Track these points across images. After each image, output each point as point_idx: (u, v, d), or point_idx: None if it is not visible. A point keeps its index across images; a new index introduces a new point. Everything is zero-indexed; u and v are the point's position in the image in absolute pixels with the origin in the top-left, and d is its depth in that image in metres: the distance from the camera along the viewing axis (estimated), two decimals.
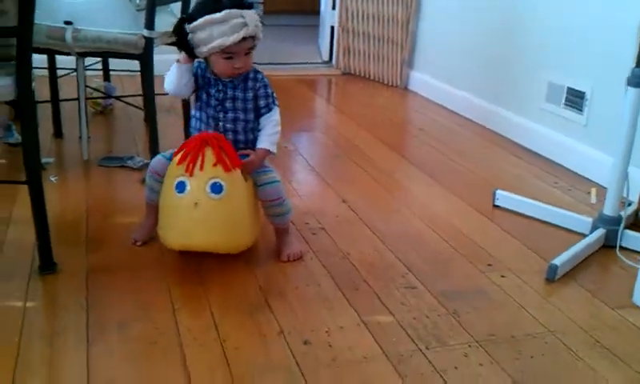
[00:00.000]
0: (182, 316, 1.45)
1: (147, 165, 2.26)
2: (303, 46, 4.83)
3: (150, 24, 2.10)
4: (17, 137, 2.45)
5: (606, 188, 2.01)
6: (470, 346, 1.41)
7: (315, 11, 4.90)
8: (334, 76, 4.14)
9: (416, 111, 3.47)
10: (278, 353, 1.35)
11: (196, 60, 1.69)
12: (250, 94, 1.69)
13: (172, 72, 1.68)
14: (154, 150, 2.21)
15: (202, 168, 1.55)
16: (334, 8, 4.25)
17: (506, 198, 2.15)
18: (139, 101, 2.67)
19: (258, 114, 1.71)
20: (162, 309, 1.48)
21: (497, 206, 2.16)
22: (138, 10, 2.13)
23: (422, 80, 3.74)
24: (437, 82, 3.57)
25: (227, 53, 1.60)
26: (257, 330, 1.42)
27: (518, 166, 2.62)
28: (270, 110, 1.71)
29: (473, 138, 3.00)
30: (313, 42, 4.84)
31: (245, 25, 1.58)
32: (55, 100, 2.54)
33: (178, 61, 1.67)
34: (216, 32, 1.57)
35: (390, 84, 3.91)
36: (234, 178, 1.58)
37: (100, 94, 2.92)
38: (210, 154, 1.56)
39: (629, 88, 1.81)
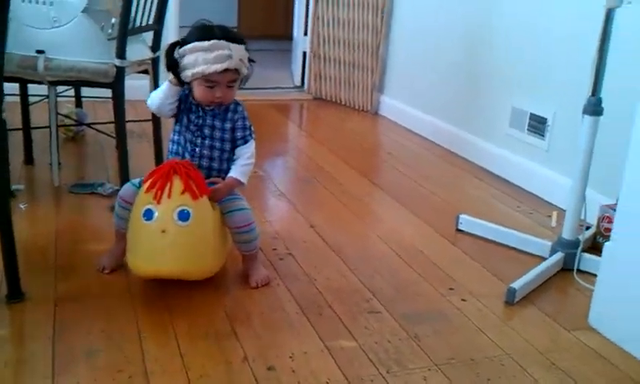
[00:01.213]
0: (149, 345, 1.47)
1: (117, 191, 2.30)
2: (276, 70, 4.90)
3: (121, 53, 2.13)
4: None
5: (566, 211, 2.08)
6: (429, 369, 1.45)
7: (289, 37, 4.98)
8: (306, 101, 4.21)
9: (385, 135, 3.55)
10: (242, 380, 1.38)
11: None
12: (228, 125, 1.75)
13: (161, 89, 1.74)
14: (124, 176, 2.23)
15: (169, 196, 1.58)
16: (305, 34, 4.32)
17: (469, 222, 2.21)
18: (111, 128, 2.68)
19: (235, 145, 1.76)
20: (129, 337, 1.50)
21: (460, 230, 2.22)
22: (109, 39, 2.16)
23: (391, 105, 3.82)
24: (406, 107, 3.65)
25: (209, 81, 1.66)
26: (222, 358, 1.45)
27: (483, 190, 2.69)
28: (245, 142, 1.76)
29: (439, 162, 3.07)
30: (286, 66, 4.91)
31: (229, 57, 1.63)
32: (26, 127, 2.56)
33: (170, 80, 1.72)
34: (201, 59, 1.63)
35: (361, 109, 3.98)
36: (201, 205, 1.61)
37: (72, 122, 2.93)
38: (177, 182, 1.60)
39: (585, 116, 1.88)
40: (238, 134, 1.76)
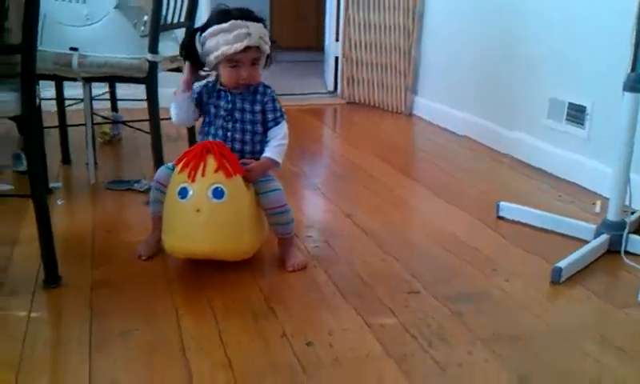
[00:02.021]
0: (185, 323, 1.45)
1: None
2: (309, 78, 4.91)
3: (153, 48, 2.15)
4: (25, 165, 2.49)
5: (610, 194, 2.01)
6: (474, 344, 1.40)
7: (319, 48, 4.99)
8: (339, 105, 4.19)
9: (420, 135, 3.50)
10: (280, 354, 1.35)
11: (197, 85, 1.78)
12: (258, 107, 1.74)
13: (173, 106, 1.79)
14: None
15: (203, 174, 1.57)
16: (337, 39, 4.32)
17: (509, 208, 2.15)
18: (146, 126, 2.71)
19: (267, 127, 1.76)
20: (165, 317, 1.48)
21: (500, 218, 2.16)
22: (142, 36, 2.18)
23: (425, 105, 3.78)
24: (440, 106, 3.61)
25: (232, 61, 1.67)
26: (260, 335, 1.42)
27: (522, 181, 2.62)
28: (277, 123, 1.76)
29: (476, 156, 3.01)
30: (319, 75, 4.91)
31: (248, 35, 1.64)
32: (63, 126, 2.59)
33: (174, 92, 1.77)
34: (222, 40, 1.64)
35: (395, 111, 3.95)
36: (235, 183, 1.60)
37: (107, 122, 2.97)
38: (211, 161, 1.59)
39: (625, 93, 1.82)
40: (269, 115, 1.75)
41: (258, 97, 1.74)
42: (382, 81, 4.00)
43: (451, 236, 2.02)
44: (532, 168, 2.78)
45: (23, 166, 2.49)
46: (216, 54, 1.66)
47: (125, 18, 2.18)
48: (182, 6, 2.35)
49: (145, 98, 2.84)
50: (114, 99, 3.10)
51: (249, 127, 1.74)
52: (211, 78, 1.81)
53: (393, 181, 2.59)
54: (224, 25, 1.65)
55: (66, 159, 2.62)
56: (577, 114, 2.58)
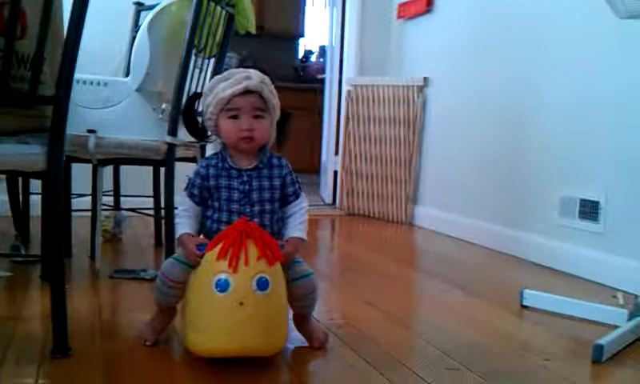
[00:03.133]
0: None
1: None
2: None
3: (173, 130, 2.14)
4: (22, 252, 2.44)
5: (632, 293, 1.96)
6: None
7: (313, 170, 5.02)
8: (338, 216, 4.18)
9: (424, 241, 3.47)
10: None
11: (201, 164, 1.60)
12: (277, 182, 1.58)
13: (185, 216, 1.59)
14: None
15: (246, 263, 1.40)
16: (337, 154, 4.39)
17: (534, 296, 2.08)
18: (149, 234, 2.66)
19: (283, 202, 1.62)
20: None
21: (525, 306, 2.08)
22: (161, 120, 2.18)
23: (427, 214, 3.78)
24: (442, 214, 3.60)
25: (231, 110, 1.51)
26: None
27: (539, 280, 2.56)
28: (297, 197, 1.62)
29: (487, 258, 2.96)
30: (313, 192, 4.91)
31: (248, 78, 1.51)
32: (67, 217, 2.52)
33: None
34: (220, 88, 1.52)
35: (395, 220, 3.94)
36: (276, 272, 1.46)
37: (109, 221, 2.90)
38: (252, 247, 1.42)
39: None
40: (290, 189, 1.60)
41: (275, 171, 1.58)
42: (382, 192, 4.02)
43: (477, 320, 1.93)
44: (545, 268, 2.72)
45: (20, 256, 2.42)
46: (214, 102, 1.51)
47: (145, 102, 2.18)
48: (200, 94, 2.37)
49: (150, 194, 2.86)
50: (117, 195, 3.05)
51: (268, 207, 1.56)
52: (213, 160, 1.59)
53: (406, 275, 2.53)
54: (222, 74, 1.55)
55: (68, 253, 2.51)
56: (589, 210, 2.57)
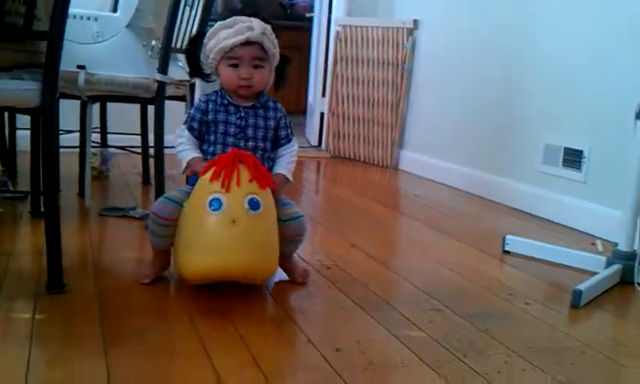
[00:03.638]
0: (202, 327, 1.37)
1: (149, 215, 2.23)
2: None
3: (163, 69, 2.13)
4: (10, 188, 2.44)
5: (610, 242, 2.02)
6: (508, 355, 1.35)
7: (300, 111, 5.01)
8: (324, 158, 4.19)
9: (410, 184, 3.50)
10: (309, 356, 1.28)
11: (202, 97, 1.64)
12: (272, 123, 1.65)
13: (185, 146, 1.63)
14: (160, 195, 2.17)
15: (238, 183, 1.45)
16: (323, 95, 4.38)
17: (516, 242, 2.14)
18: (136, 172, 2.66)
19: (275, 144, 1.68)
20: (181, 320, 1.41)
21: (507, 252, 2.14)
22: (151, 57, 2.16)
23: (412, 158, 3.81)
24: (428, 159, 3.63)
25: (232, 58, 1.55)
26: (284, 339, 1.36)
27: (520, 226, 2.62)
28: (289, 140, 1.69)
29: (470, 204, 3.02)
30: (299, 133, 4.92)
31: (250, 29, 1.53)
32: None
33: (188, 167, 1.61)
34: (222, 35, 1.54)
35: (380, 164, 3.97)
36: (267, 195, 1.50)
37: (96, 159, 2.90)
38: (244, 171, 1.47)
39: (638, 122, 1.85)
40: (282, 133, 1.67)
41: (271, 112, 1.65)
42: (368, 135, 4.03)
43: (461, 264, 1.99)
44: (529, 215, 2.78)
45: (9, 192, 2.42)
46: (216, 49, 1.55)
47: (135, 38, 2.16)
48: (191, 31, 2.34)
49: (137, 132, 2.85)
50: (104, 132, 3.03)
51: (261, 144, 1.63)
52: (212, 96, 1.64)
53: (391, 218, 2.58)
54: (226, 21, 1.56)
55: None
56: (574, 158, 2.62)
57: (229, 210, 1.43)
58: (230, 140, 1.61)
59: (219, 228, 1.44)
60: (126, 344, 1.27)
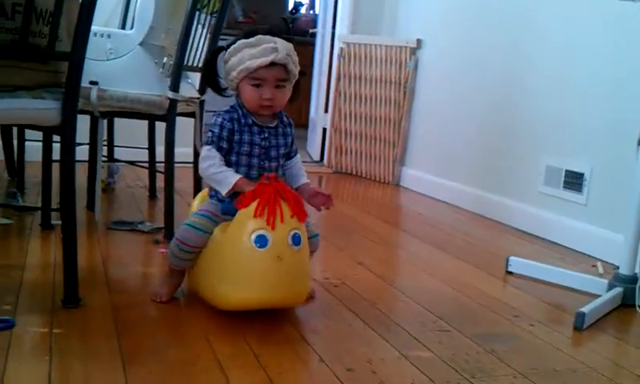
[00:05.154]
0: (218, 346, 1.40)
1: (157, 229, 2.27)
2: None
3: (175, 86, 2.16)
4: (20, 201, 2.46)
5: (611, 264, 2.05)
6: (515, 376, 1.38)
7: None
8: (325, 173, 4.24)
9: (411, 201, 3.55)
10: (323, 376, 1.31)
11: (224, 116, 1.61)
12: (289, 140, 1.69)
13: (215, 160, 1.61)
14: (169, 211, 2.20)
15: (282, 220, 1.47)
16: (326, 111, 4.42)
17: (519, 263, 2.18)
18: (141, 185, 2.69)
19: (286, 157, 1.72)
20: (197, 337, 1.43)
21: (510, 272, 2.18)
22: (162, 74, 2.20)
23: (414, 176, 3.85)
24: (429, 176, 3.67)
25: (255, 79, 1.56)
26: (298, 358, 1.38)
27: (522, 246, 2.66)
28: (296, 153, 1.76)
29: (472, 223, 3.05)
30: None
31: (275, 50, 1.53)
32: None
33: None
34: (247, 55, 1.54)
35: (382, 181, 4.01)
36: (304, 228, 1.55)
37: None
38: (285, 206, 1.49)
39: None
40: (293, 147, 1.73)
41: (288, 129, 1.68)
42: (370, 151, 4.08)
43: (465, 284, 2.02)
44: (530, 235, 2.82)
45: (19, 203, 2.44)
46: (239, 68, 1.54)
47: (147, 56, 2.19)
48: (202, 50, 2.38)
49: (143, 145, 2.88)
50: (111, 146, 3.06)
51: (281, 162, 1.67)
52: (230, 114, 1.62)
53: (395, 236, 2.61)
54: (250, 39, 1.55)
55: None
56: (574, 181, 2.66)
57: (274, 247, 1.46)
58: (255, 161, 1.62)
59: (266, 264, 1.47)
60: (144, 360, 1.30)
